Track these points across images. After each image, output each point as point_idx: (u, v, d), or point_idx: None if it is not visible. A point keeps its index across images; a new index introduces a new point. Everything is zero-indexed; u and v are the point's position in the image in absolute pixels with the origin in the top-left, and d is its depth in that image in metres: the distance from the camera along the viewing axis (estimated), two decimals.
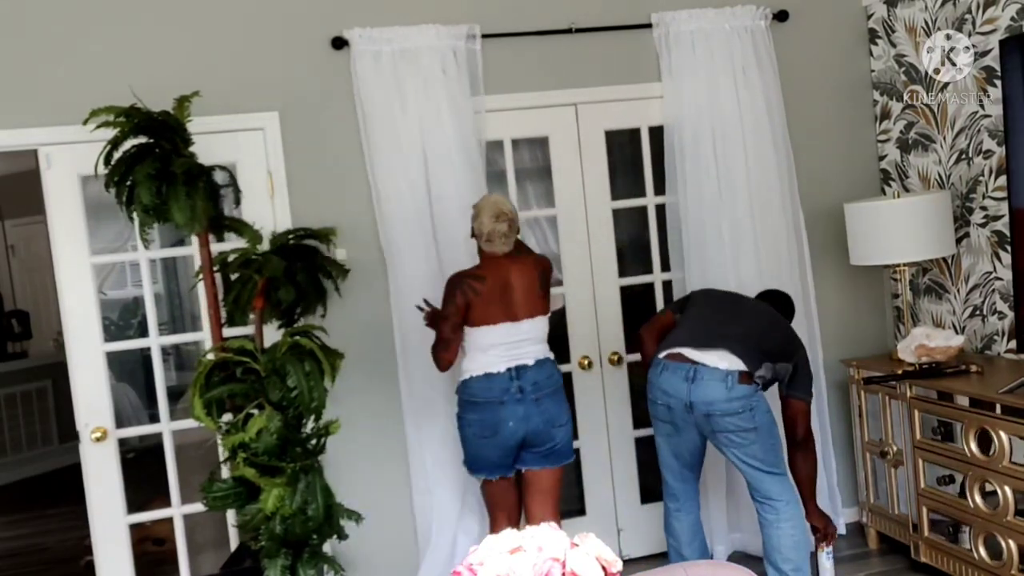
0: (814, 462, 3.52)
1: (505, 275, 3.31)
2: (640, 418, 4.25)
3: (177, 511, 3.73)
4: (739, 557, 4.15)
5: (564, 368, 3.78)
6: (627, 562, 4.07)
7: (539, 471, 3.38)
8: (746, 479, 3.40)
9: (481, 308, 3.27)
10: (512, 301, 3.30)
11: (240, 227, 3.22)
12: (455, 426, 3.81)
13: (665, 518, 3.61)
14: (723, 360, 3.27)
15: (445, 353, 3.28)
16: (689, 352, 3.33)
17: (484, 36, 3.89)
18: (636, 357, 4.20)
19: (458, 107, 3.83)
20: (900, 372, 3.76)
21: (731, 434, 3.27)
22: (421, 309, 3.40)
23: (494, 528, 3.41)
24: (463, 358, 3.39)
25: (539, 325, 3.36)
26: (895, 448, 3.85)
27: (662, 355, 3.39)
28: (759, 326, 3.45)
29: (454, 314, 3.25)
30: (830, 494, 4.25)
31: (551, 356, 3.42)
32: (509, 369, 3.28)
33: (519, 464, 3.40)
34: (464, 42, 3.85)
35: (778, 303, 3.71)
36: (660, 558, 4.18)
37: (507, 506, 3.44)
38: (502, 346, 3.29)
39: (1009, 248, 3.68)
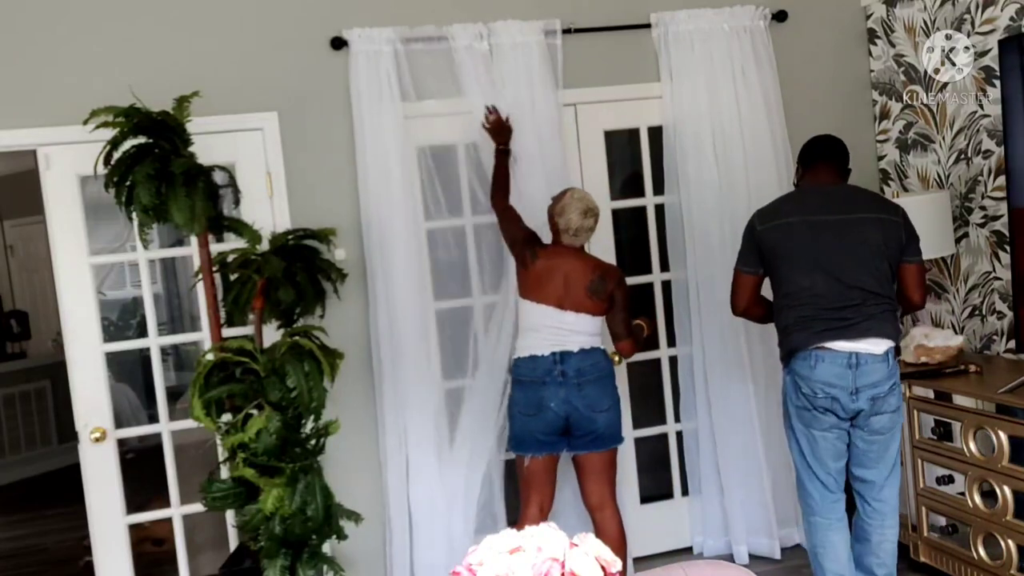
0: None
1: (562, 265, 3.44)
2: (640, 417, 4.26)
3: (176, 511, 3.73)
4: (742, 557, 4.15)
5: None
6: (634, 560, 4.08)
7: (588, 455, 3.49)
8: (865, 481, 3.19)
9: (532, 281, 3.44)
10: (559, 290, 3.42)
11: (239, 227, 3.21)
12: (441, 426, 3.84)
13: (817, 535, 3.23)
14: (879, 345, 3.06)
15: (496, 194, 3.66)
16: (840, 345, 3.05)
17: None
18: (634, 357, 4.21)
19: (456, 108, 3.84)
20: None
21: (886, 416, 3.08)
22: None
23: (525, 512, 3.49)
24: (515, 338, 3.57)
25: (584, 320, 3.43)
26: None
27: (811, 347, 3.07)
28: (876, 263, 3.09)
29: (518, 220, 3.56)
30: None
31: (600, 347, 3.48)
32: (553, 353, 3.39)
33: (570, 449, 3.50)
34: (466, 42, 3.86)
35: (843, 162, 3.29)
36: (661, 558, 4.19)
37: (543, 489, 3.49)
38: (548, 329, 3.41)
39: (1008, 248, 3.69)
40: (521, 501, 3.57)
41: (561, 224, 3.47)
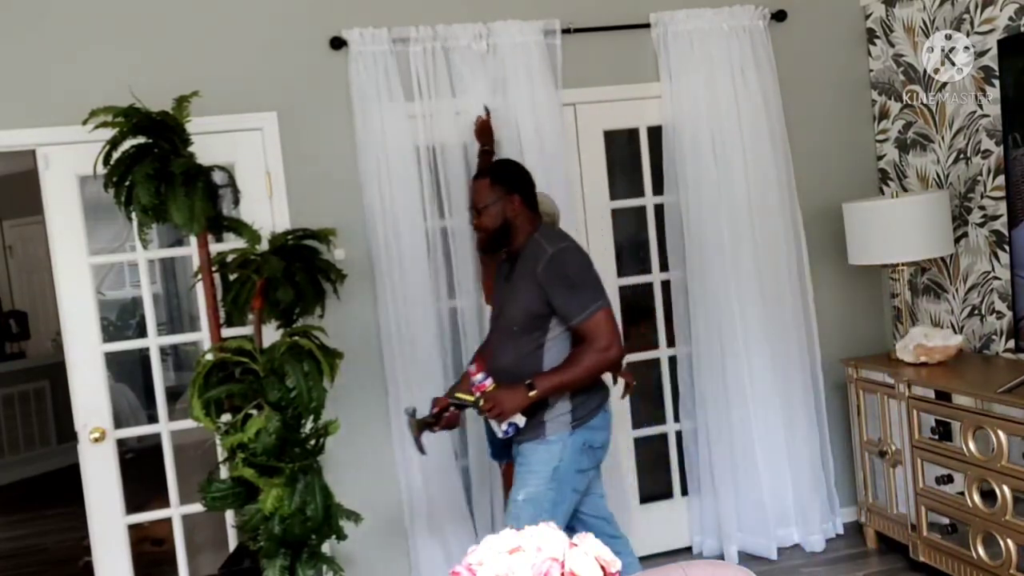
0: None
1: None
2: (640, 417, 4.27)
3: (176, 511, 3.73)
4: (741, 557, 4.16)
5: None
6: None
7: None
8: (600, 518, 3.19)
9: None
10: None
11: (239, 227, 3.21)
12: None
13: None
14: None
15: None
16: None
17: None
18: (634, 357, 4.22)
19: (456, 107, 3.84)
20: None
21: None
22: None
23: None
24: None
25: None
26: (894, 448, 3.85)
27: (607, 396, 3.01)
28: None
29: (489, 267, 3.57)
30: (828, 494, 4.26)
31: None
32: None
33: None
34: (466, 42, 3.86)
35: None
36: (660, 558, 4.19)
37: None
38: None
39: (1007, 248, 3.69)
40: None
41: None
